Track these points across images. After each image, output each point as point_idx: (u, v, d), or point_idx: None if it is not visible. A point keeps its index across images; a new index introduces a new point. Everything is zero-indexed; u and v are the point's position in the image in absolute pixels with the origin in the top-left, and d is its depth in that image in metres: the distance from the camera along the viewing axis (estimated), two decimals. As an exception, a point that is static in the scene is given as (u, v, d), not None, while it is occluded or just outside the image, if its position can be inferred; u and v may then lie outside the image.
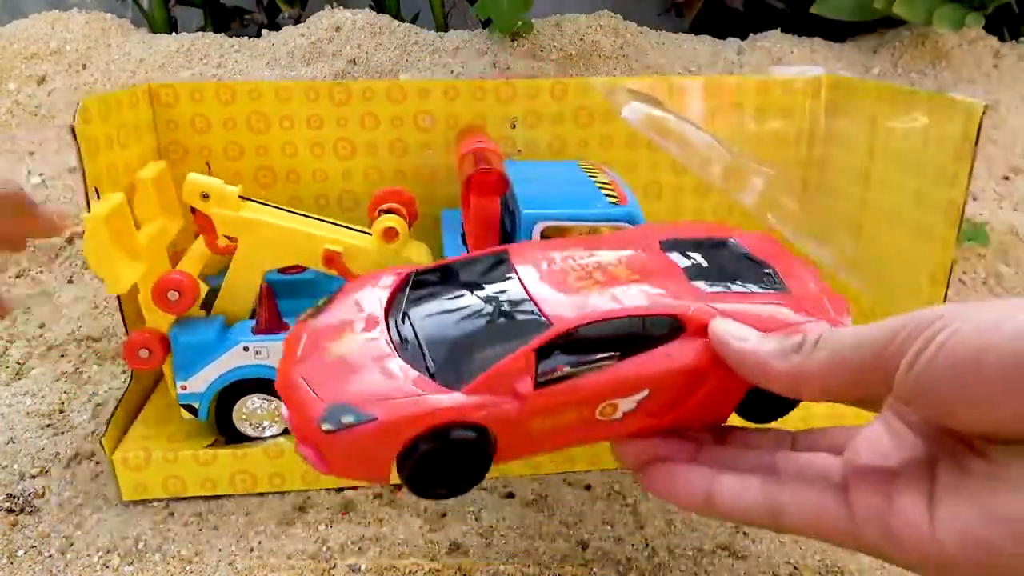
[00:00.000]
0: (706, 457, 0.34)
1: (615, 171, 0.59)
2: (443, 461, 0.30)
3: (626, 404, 0.32)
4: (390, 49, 0.97)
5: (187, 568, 0.45)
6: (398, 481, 0.30)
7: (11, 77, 0.97)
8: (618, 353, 0.32)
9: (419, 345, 0.32)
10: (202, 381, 0.49)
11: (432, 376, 0.30)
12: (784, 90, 0.67)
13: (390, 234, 0.50)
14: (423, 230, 0.56)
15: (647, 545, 0.47)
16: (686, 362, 0.32)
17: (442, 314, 0.34)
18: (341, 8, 1.03)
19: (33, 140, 0.94)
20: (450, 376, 0.30)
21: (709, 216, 0.70)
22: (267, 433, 0.51)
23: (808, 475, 0.31)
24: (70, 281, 0.78)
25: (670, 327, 0.32)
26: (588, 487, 0.52)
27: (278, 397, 0.38)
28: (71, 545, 0.46)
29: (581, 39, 0.98)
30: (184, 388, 0.49)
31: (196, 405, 0.49)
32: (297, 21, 1.08)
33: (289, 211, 0.52)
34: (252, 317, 0.51)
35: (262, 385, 0.49)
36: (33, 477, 0.52)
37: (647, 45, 1.03)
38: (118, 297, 0.52)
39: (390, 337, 0.33)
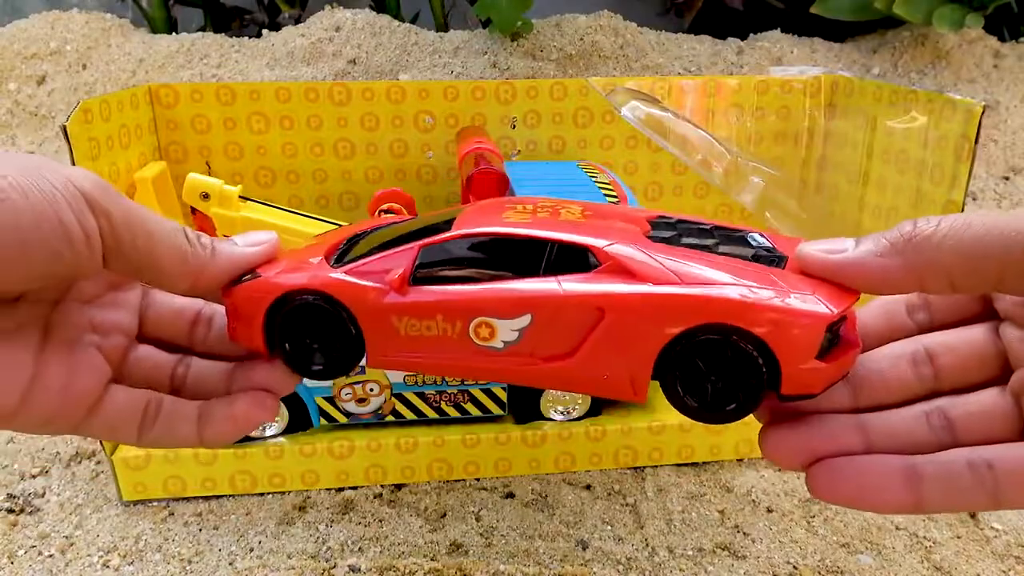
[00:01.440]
0: (868, 429, 0.28)
1: (615, 171, 0.59)
2: (297, 327, 0.31)
3: (505, 330, 0.30)
4: (390, 49, 0.97)
5: (187, 568, 0.45)
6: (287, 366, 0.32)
7: (11, 77, 0.97)
8: (511, 273, 0.31)
9: (346, 252, 0.34)
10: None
11: (331, 263, 0.32)
12: (784, 90, 0.67)
13: (390, 234, 0.50)
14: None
15: (647, 545, 0.47)
16: (575, 292, 0.29)
17: (378, 235, 0.35)
18: (341, 8, 1.03)
19: (33, 140, 0.94)
20: (342, 262, 0.32)
21: (708, 215, 0.70)
22: (267, 433, 0.51)
23: (998, 425, 0.27)
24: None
25: (581, 261, 0.30)
26: (588, 487, 0.52)
27: None
28: (71, 545, 0.46)
29: (581, 39, 0.98)
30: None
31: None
32: (297, 21, 1.08)
33: (289, 211, 0.52)
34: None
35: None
36: (33, 477, 0.52)
37: (647, 45, 1.03)
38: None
39: (336, 252, 0.35)
